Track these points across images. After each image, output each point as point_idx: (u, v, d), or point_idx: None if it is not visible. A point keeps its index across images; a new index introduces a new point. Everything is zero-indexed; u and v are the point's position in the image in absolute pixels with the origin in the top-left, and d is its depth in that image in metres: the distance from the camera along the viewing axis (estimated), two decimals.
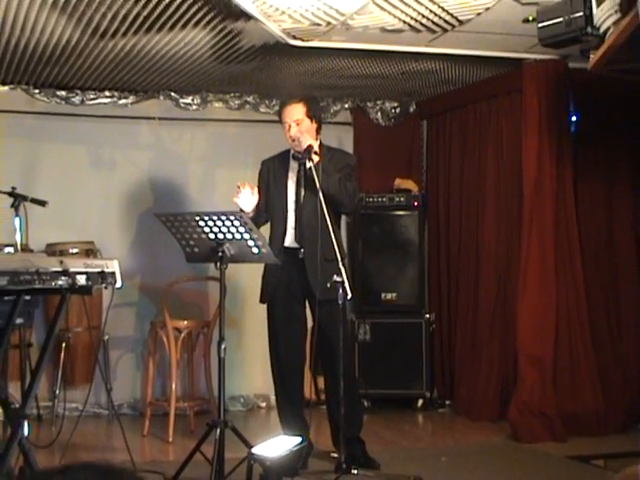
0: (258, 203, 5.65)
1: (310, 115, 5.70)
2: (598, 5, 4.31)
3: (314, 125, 5.72)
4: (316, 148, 5.56)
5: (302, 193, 5.69)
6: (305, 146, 5.52)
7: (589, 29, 4.45)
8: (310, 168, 5.46)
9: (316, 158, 5.48)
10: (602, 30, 4.37)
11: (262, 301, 5.83)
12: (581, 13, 4.44)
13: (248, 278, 7.08)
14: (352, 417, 5.56)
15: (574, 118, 6.73)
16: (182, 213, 5.48)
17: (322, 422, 6.00)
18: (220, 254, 5.25)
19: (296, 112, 5.67)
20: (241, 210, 5.49)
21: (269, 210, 5.79)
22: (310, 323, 5.88)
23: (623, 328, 6.99)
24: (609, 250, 7.03)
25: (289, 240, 5.70)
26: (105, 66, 6.82)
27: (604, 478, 5.11)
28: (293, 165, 5.78)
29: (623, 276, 7.02)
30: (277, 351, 5.78)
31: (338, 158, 5.80)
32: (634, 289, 7.01)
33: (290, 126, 5.65)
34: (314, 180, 5.40)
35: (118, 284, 4.69)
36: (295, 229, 5.69)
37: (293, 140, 5.64)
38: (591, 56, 4.77)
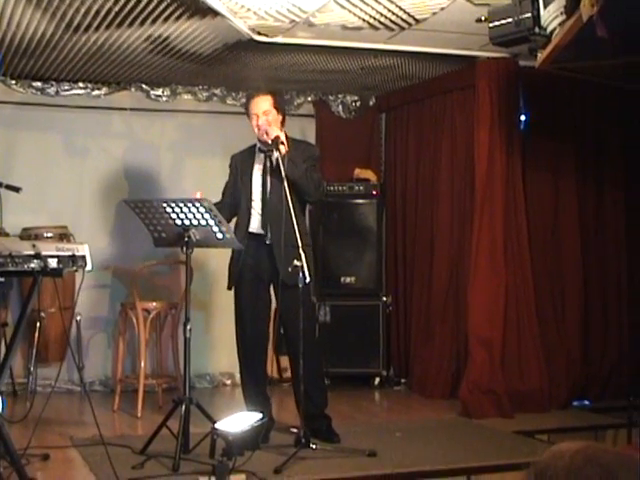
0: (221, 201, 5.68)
1: (277, 107, 5.66)
2: (545, 7, 4.34)
3: (279, 117, 5.68)
4: (283, 139, 5.51)
5: (268, 182, 5.64)
6: (273, 137, 5.47)
7: (537, 29, 4.49)
8: (277, 157, 5.44)
9: (283, 148, 5.44)
10: (549, 30, 4.40)
11: (229, 287, 5.78)
12: (529, 14, 4.48)
13: (216, 263, 7.07)
14: (317, 395, 5.59)
15: (523, 114, 6.76)
16: (150, 199, 5.45)
17: (284, 399, 6.02)
18: (186, 239, 5.24)
19: (264, 104, 5.62)
20: None
21: (236, 200, 5.75)
22: (274, 305, 5.85)
23: (567, 312, 7.03)
24: (555, 238, 7.07)
25: (253, 226, 5.66)
26: (79, 59, 6.75)
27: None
28: (259, 157, 5.73)
29: (567, 262, 7.06)
30: (243, 331, 5.73)
31: (303, 149, 5.77)
32: (578, 275, 7.06)
33: (258, 117, 5.60)
34: (280, 169, 5.38)
35: (88, 267, 4.66)
36: (262, 216, 5.64)
37: (260, 130, 5.59)
38: (539, 55, 4.80)
